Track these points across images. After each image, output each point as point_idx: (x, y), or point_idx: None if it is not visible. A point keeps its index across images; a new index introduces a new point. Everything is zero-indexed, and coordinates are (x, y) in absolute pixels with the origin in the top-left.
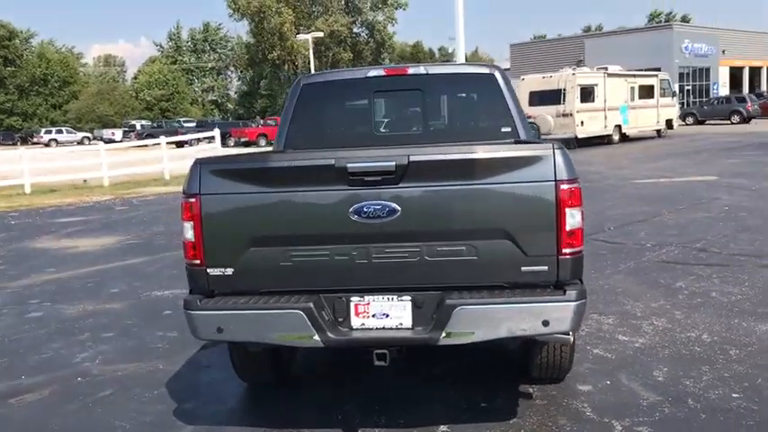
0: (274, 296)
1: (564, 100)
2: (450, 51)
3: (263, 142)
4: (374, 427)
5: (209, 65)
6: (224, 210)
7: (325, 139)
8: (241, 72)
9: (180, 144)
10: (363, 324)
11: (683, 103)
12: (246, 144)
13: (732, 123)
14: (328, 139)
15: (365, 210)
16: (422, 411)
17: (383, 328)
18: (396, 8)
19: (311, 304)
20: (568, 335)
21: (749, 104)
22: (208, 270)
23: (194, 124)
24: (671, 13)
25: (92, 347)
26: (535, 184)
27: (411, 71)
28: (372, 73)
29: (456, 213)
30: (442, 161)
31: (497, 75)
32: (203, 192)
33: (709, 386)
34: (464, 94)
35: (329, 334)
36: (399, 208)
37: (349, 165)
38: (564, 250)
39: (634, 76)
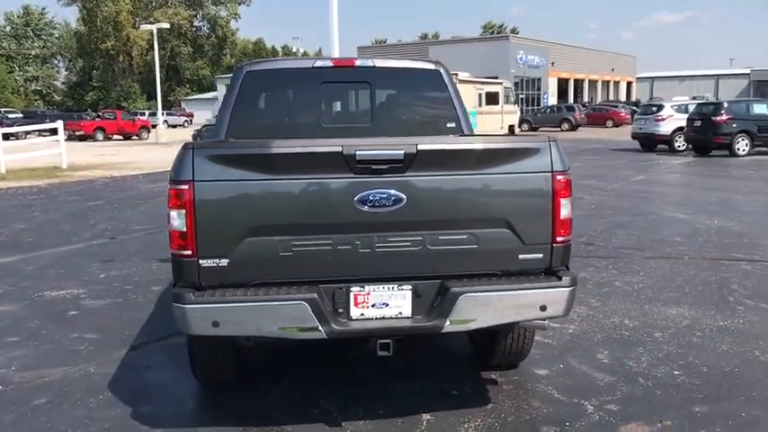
0: (271, 288)
1: None
2: (293, 50)
3: (100, 136)
4: (356, 420)
5: (33, 52)
6: (220, 198)
7: (269, 129)
8: (70, 62)
9: (5, 136)
10: (363, 314)
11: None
12: (82, 138)
13: (562, 130)
14: (273, 130)
15: (371, 198)
16: (399, 403)
17: (383, 317)
18: (239, 4)
19: (315, 295)
20: (545, 321)
21: (577, 113)
22: (200, 261)
23: (20, 115)
24: (502, 24)
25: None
26: (534, 174)
27: (359, 63)
28: (320, 63)
29: (459, 202)
30: (449, 150)
31: (442, 71)
32: (197, 178)
33: (651, 366)
34: (410, 89)
35: (333, 325)
36: (405, 197)
37: (358, 152)
38: (558, 238)
39: (482, 83)
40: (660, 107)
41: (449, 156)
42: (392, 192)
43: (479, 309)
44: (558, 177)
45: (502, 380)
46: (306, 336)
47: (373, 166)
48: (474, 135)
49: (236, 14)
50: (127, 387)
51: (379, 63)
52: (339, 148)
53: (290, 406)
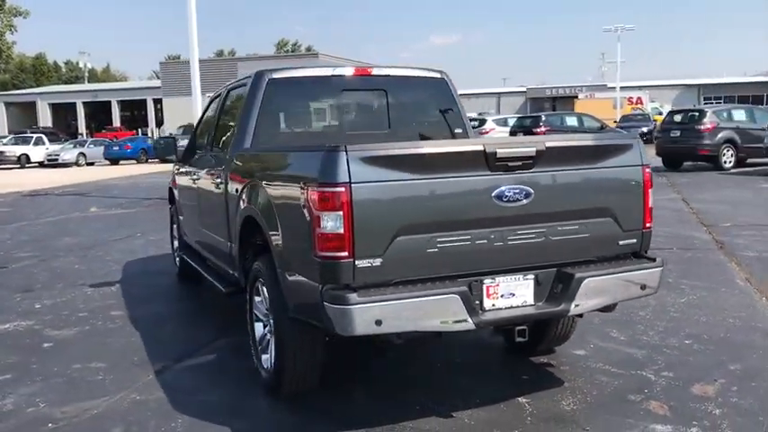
0: (418, 284)
1: None
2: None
3: None
4: (465, 409)
5: None
6: (375, 198)
7: (295, 137)
8: None
9: None
10: (494, 305)
11: None
12: None
13: None
14: (298, 138)
15: (506, 194)
16: (484, 393)
17: (510, 306)
18: (14, 15)
19: (466, 288)
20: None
21: None
22: (356, 262)
23: None
24: (296, 42)
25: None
26: (630, 168)
27: (375, 72)
28: (339, 71)
29: (575, 195)
30: (569, 147)
31: (447, 79)
32: (354, 180)
33: (663, 338)
34: (422, 96)
35: (480, 316)
36: (533, 191)
37: (498, 150)
38: (647, 224)
39: None
40: (483, 121)
41: (568, 152)
42: (523, 187)
43: (598, 291)
44: (647, 170)
45: (554, 362)
46: (457, 328)
47: (509, 164)
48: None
49: (11, 26)
50: (198, 409)
51: (394, 71)
52: (481, 147)
53: (387, 405)
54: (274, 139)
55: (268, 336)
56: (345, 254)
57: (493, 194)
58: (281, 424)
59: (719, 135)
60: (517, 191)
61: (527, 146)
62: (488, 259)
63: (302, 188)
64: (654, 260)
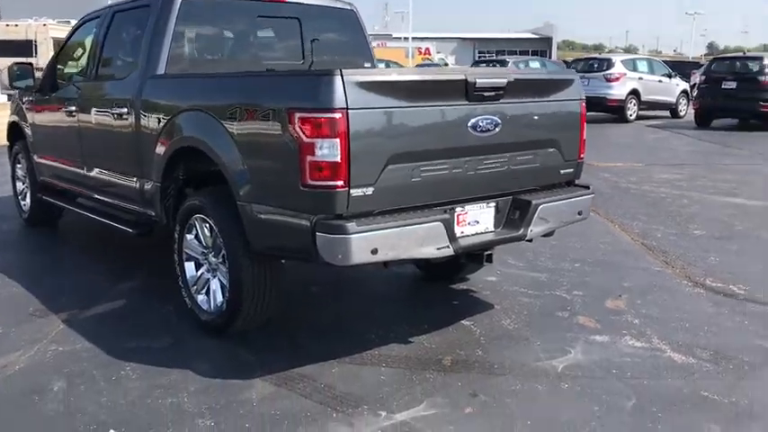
0: (402, 213)
1: (36, 52)
2: None
3: None
4: (419, 335)
5: None
6: (370, 125)
7: (209, 63)
8: None
9: None
10: (462, 232)
11: None
12: None
13: None
14: (214, 64)
15: (480, 124)
16: (429, 316)
17: (476, 233)
18: None
19: (448, 216)
20: None
21: None
22: (351, 191)
23: None
24: None
25: None
26: (573, 102)
27: None
28: None
29: (531, 125)
30: (531, 80)
31: (356, 11)
32: (351, 106)
33: (556, 263)
34: (333, 28)
35: (457, 242)
36: (500, 122)
37: (478, 80)
38: (581, 155)
39: None
40: None
41: (529, 85)
42: (494, 117)
43: (549, 216)
44: (583, 104)
45: (474, 288)
46: (441, 254)
47: (485, 94)
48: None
49: None
50: (141, 355)
51: (306, 0)
52: (463, 76)
53: (342, 338)
54: (190, 66)
55: (206, 275)
56: (341, 183)
57: (469, 124)
58: (245, 362)
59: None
60: (489, 121)
61: (500, 76)
62: (460, 188)
63: (284, 115)
64: (587, 188)
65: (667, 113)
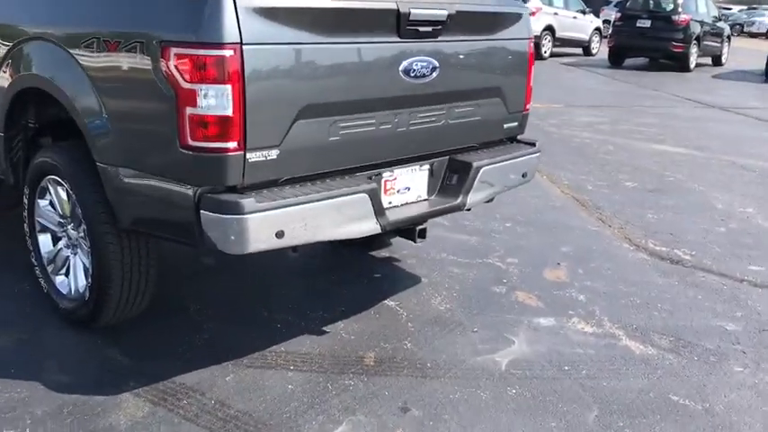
0: (316, 182)
1: None
2: None
3: None
4: (341, 320)
5: None
6: (273, 67)
7: None
8: None
9: None
10: (390, 202)
11: None
12: None
13: None
14: None
15: (414, 67)
16: (349, 295)
17: (406, 203)
18: None
19: (374, 183)
20: None
21: None
22: (248, 155)
23: None
24: None
25: None
26: (520, 41)
27: None
28: None
29: (473, 70)
30: (474, 13)
31: None
32: (247, 40)
33: (485, 223)
34: None
35: (384, 217)
36: (438, 65)
37: (413, 11)
38: (527, 106)
39: None
40: None
41: (473, 19)
42: (431, 60)
43: (494, 181)
44: (531, 44)
45: (397, 255)
46: (364, 233)
47: (420, 29)
48: None
49: None
50: None
51: None
52: (394, 5)
53: (238, 328)
54: None
55: (65, 252)
56: (233, 144)
57: (401, 68)
58: (114, 369)
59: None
60: (425, 64)
61: (440, 8)
62: (388, 148)
63: (155, 50)
64: (533, 145)
65: (579, 51)
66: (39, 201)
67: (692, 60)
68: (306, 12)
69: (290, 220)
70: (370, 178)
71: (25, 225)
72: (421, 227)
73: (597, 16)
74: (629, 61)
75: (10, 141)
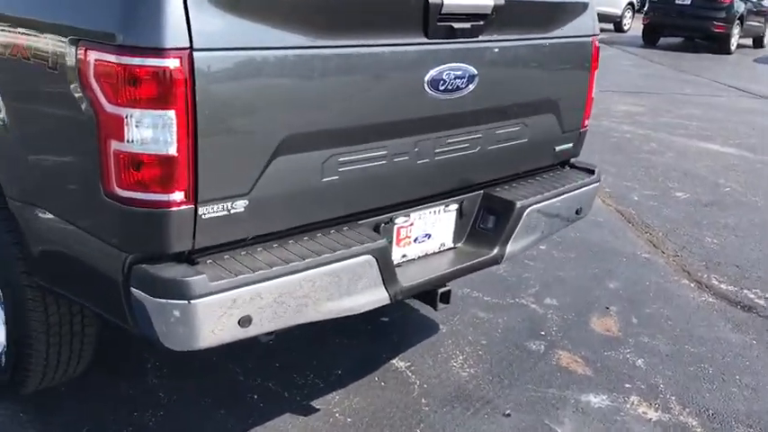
0: (301, 237)
1: None
2: None
3: None
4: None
5: None
6: (240, 82)
7: None
8: None
9: None
10: (405, 256)
11: None
12: None
13: None
14: None
15: (444, 78)
16: (314, 363)
17: (425, 255)
18: None
19: (382, 238)
20: None
21: None
22: (199, 211)
23: None
24: None
25: None
26: (582, 40)
27: None
28: None
29: (522, 79)
30: (531, 3)
31: None
32: (199, 44)
33: None
34: None
35: (397, 281)
36: (477, 74)
37: (446, 2)
38: (585, 122)
39: None
40: None
41: (524, 12)
42: (468, 67)
43: (541, 224)
44: (596, 43)
45: None
46: (365, 308)
47: (455, 26)
48: None
49: None
50: None
51: None
52: None
53: (207, 400)
54: None
55: None
56: (179, 195)
57: (427, 78)
58: None
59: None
60: (459, 73)
61: None
62: (405, 186)
63: (70, 51)
64: (592, 172)
65: (611, 26)
66: None
67: (734, 42)
68: (290, 2)
69: (259, 301)
70: (378, 228)
71: None
72: (444, 289)
73: None
74: (663, 40)
75: None
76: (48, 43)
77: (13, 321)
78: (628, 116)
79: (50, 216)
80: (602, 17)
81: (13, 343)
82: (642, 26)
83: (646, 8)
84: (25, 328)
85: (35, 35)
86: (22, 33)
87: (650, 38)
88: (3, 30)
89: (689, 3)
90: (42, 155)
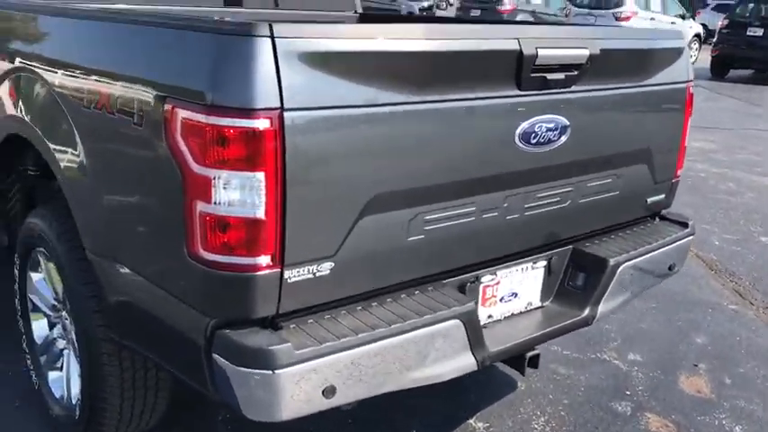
0: (385, 299)
1: None
2: None
3: None
4: None
5: None
6: (329, 141)
7: None
8: None
9: None
10: (491, 316)
11: None
12: None
13: None
14: None
15: (536, 131)
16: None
17: (512, 316)
18: None
19: (471, 304)
20: None
21: None
22: (285, 275)
23: None
24: None
25: None
26: (676, 86)
27: None
28: None
29: (615, 129)
30: (627, 51)
31: None
32: (290, 104)
33: None
34: None
35: (484, 345)
36: (569, 125)
37: (541, 51)
38: (678, 171)
39: None
40: None
41: (619, 60)
42: (560, 119)
43: (634, 281)
44: (691, 88)
45: None
46: (452, 375)
47: (549, 76)
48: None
49: None
50: None
51: None
52: (515, 45)
53: None
54: None
55: (61, 343)
56: (266, 259)
57: (518, 131)
58: None
59: (517, 18)
60: (552, 125)
61: (578, 45)
62: (492, 243)
63: (157, 109)
64: (686, 225)
65: None
66: (31, 274)
67: None
68: (382, 59)
69: (345, 371)
70: (464, 288)
71: (16, 300)
72: (533, 353)
73: (693, 19)
74: (732, 72)
75: (5, 191)
76: (134, 98)
77: (89, 375)
78: (701, 153)
79: (129, 272)
80: None
81: (87, 396)
82: (710, 58)
83: (714, 39)
84: (100, 381)
85: (121, 89)
86: (108, 87)
87: (719, 70)
88: (88, 82)
89: (761, 34)
90: (123, 210)
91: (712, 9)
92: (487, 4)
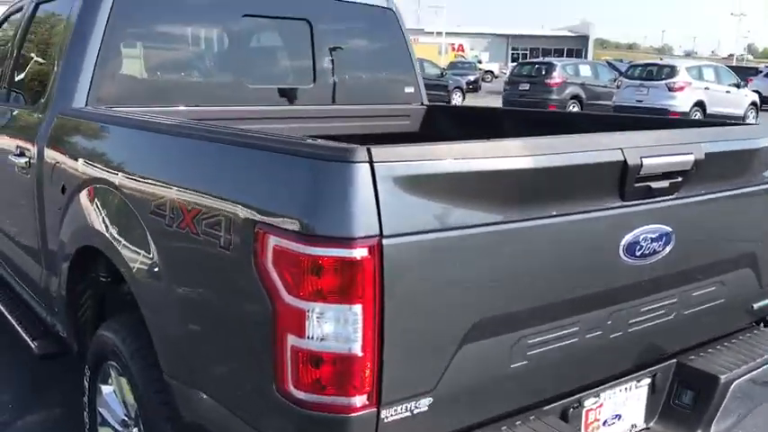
0: None
1: None
2: None
3: None
4: None
5: None
6: (429, 268)
7: (160, 89)
8: None
9: None
10: None
11: None
12: None
13: None
14: (167, 91)
15: (641, 242)
16: None
17: None
18: None
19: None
20: None
21: None
22: (381, 413)
23: None
24: None
25: None
26: None
27: None
28: None
29: (719, 234)
30: (732, 153)
31: (395, 11)
32: (389, 231)
33: None
34: (359, 35)
35: None
36: (673, 234)
37: (645, 161)
38: None
39: None
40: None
41: (723, 163)
42: (664, 228)
43: (748, 399)
44: None
45: None
46: None
47: (653, 185)
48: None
49: None
50: None
51: None
52: (620, 155)
53: None
54: (129, 94)
55: None
56: (361, 399)
57: (622, 244)
58: None
59: (567, 90)
60: (656, 235)
61: (683, 152)
62: (595, 364)
63: (246, 236)
64: None
65: None
66: (101, 386)
67: None
68: (482, 178)
69: None
70: (566, 415)
71: (84, 413)
72: None
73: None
74: None
75: (76, 298)
76: (221, 222)
77: None
78: None
79: (210, 399)
80: (725, 118)
81: None
82: None
83: None
84: None
85: (208, 211)
86: (194, 207)
87: None
88: (173, 201)
89: None
90: (204, 337)
91: (765, 76)
92: (536, 77)
